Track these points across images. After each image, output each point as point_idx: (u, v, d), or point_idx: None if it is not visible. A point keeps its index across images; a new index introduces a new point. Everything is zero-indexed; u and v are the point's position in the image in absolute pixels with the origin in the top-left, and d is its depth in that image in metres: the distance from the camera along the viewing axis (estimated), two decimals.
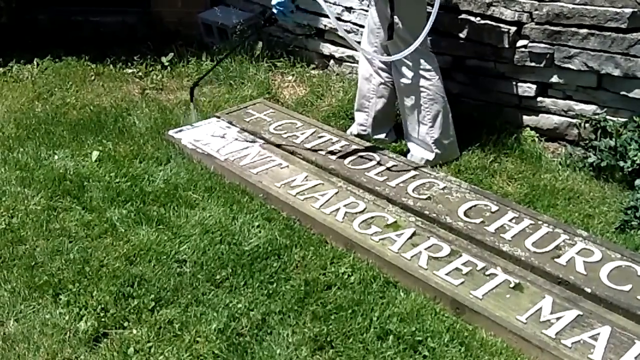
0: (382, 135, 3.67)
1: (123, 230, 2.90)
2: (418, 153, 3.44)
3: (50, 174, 3.30)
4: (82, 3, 5.32)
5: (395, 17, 3.24)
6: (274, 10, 3.34)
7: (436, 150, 3.39)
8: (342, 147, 3.52)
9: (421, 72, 3.32)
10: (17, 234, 2.88)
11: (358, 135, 3.68)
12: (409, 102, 3.39)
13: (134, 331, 2.35)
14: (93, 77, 4.60)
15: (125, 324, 2.39)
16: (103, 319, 2.40)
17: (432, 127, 3.38)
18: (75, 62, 4.76)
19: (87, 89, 4.44)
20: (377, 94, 3.58)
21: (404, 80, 3.36)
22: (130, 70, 4.68)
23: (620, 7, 3.11)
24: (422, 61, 3.31)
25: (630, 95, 3.21)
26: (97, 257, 2.73)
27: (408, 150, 3.51)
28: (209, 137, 3.66)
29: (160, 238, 2.83)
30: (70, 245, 2.81)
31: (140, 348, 2.28)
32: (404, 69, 3.34)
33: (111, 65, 4.73)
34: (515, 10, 3.42)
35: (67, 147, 3.61)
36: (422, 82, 3.33)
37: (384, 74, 3.54)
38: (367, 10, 4.12)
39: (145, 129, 3.82)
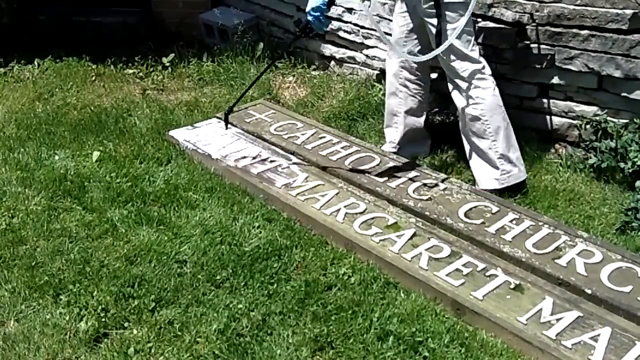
0: (416, 151, 3.51)
1: (123, 231, 2.90)
2: (484, 177, 3.17)
3: (50, 175, 3.31)
4: (83, 3, 5.33)
5: (442, 23, 3.05)
6: (309, 18, 3.10)
7: (502, 167, 3.12)
8: (342, 148, 3.52)
9: (474, 81, 3.10)
10: (18, 234, 2.88)
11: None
12: (467, 115, 3.15)
13: (135, 331, 2.35)
14: (94, 78, 4.61)
15: (126, 324, 2.39)
16: (103, 319, 2.39)
17: (494, 140, 3.12)
18: (76, 62, 4.77)
19: (88, 89, 4.45)
20: (406, 107, 3.41)
21: (458, 92, 3.15)
22: (131, 71, 4.68)
23: (621, 9, 3.11)
24: (473, 70, 3.10)
25: (631, 96, 3.21)
26: (98, 257, 2.73)
27: (472, 178, 3.25)
28: (209, 137, 3.66)
29: (160, 238, 2.83)
30: (70, 245, 2.81)
31: (140, 348, 2.28)
32: (458, 81, 3.13)
33: (112, 66, 4.74)
34: (516, 12, 3.42)
35: (67, 148, 3.61)
36: (477, 92, 3.11)
37: (412, 86, 3.38)
38: None
39: (146, 129, 3.82)
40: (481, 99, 3.11)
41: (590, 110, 3.37)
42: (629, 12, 3.09)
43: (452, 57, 3.09)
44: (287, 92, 4.37)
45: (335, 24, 4.37)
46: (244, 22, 4.84)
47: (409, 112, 3.43)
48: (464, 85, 3.12)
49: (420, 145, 3.55)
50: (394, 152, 3.48)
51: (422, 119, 3.48)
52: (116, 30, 5.17)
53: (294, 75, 4.52)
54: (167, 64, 4.72)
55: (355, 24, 4.23)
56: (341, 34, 4.36)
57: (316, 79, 4.41)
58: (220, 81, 4.51)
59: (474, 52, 3.10)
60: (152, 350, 2.28)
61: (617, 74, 3.19)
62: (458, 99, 3.17)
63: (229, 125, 3.76)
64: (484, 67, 3.12)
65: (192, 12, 5.20)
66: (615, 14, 3.12)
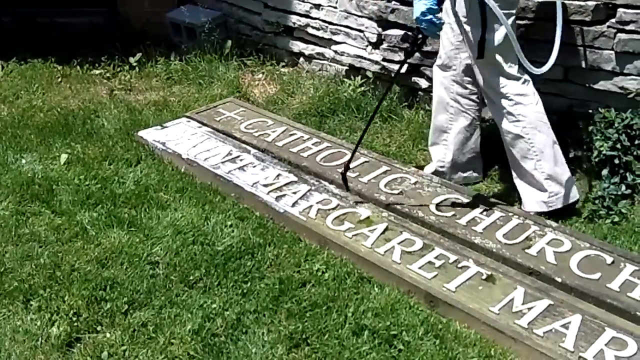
0: (465, 174, 3.26)
1: (94, 234, 2.87)
2: (530, 199, 2.98)
3: (18, 179, 3.25)
4: (48, 4, 5.25)
5: (487, 33, 2.85)
6: (422, 25, 2.74)
7: (550, 189, 2.92)
8: (313, 144, 3.52)
9: (514, 97, 2.90)
10: None
11: (436, 173, 3.24)
12: (508, 134, 2.96)
13: (108, 335, 2.33)
14: (60, 79, 4.54)
15: (99, 328, 2.37)
16: (75, 324, 2.37)
17: (539, 160, 2.92)
18: (41, 64, 4.70)
19: (54, 91, 4.38)
20: (458, 123, 3.17)
21: (496, 109, 2.97)
22: (97, 72, 4.63)
23: (584, 0, 3.16)
24: (513, 86, 2.90)
25: (595, 87, 3.25)
26: (68, 261, 2.70)
27: (519, 200, 3.05)
28: (179, 137, 3.63)
29: (132, 240, 2.81)
30: (40, 250, 2.77)
31: (114, 352, 2.26)
32: (496, 97, 2.94)
33: (78, 67, 4.68)
34: None
35: (34, 151, 3.55)
36: (518, 109, 2.90)
37: (463, 101, 3.14)
38: (335, 7, 4.15)
39: (114, 130, 3.78)
40: (522, 116, 2.91)
41: (556, 101, 3.41)
42: (591, 3, 3.14)
43: (491, 72, 2.92)
44: (257, 89, 4.35)
45: (303, 21, 4.36)
46: (212, 20, 4.81)
47: (461, 130, 3.19)
48: (503, 102, 2.92)
49: (473, 167, 3.28)
50: (439, 174, 3.23)
51: (474, 137, 3.23)
52: (82, 31, 5.09)
53: (263, 73, 4.51)
54: (135, 64, 4.67)
55: (324, 20, 4.23)
56: (309, 30, 4.35)
57: (285, 76, 4.40)
58: (188, 80, 4.48)
59: (513, 67, 2.91)
60: (126, 354, 2.26)
61: (582, 65, 3.24)
62: (498, 117, 2.99)
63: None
64: (524, 82, 2.93)
65: (158, 11, 5.14)
66: (578, 6, 3.17)
